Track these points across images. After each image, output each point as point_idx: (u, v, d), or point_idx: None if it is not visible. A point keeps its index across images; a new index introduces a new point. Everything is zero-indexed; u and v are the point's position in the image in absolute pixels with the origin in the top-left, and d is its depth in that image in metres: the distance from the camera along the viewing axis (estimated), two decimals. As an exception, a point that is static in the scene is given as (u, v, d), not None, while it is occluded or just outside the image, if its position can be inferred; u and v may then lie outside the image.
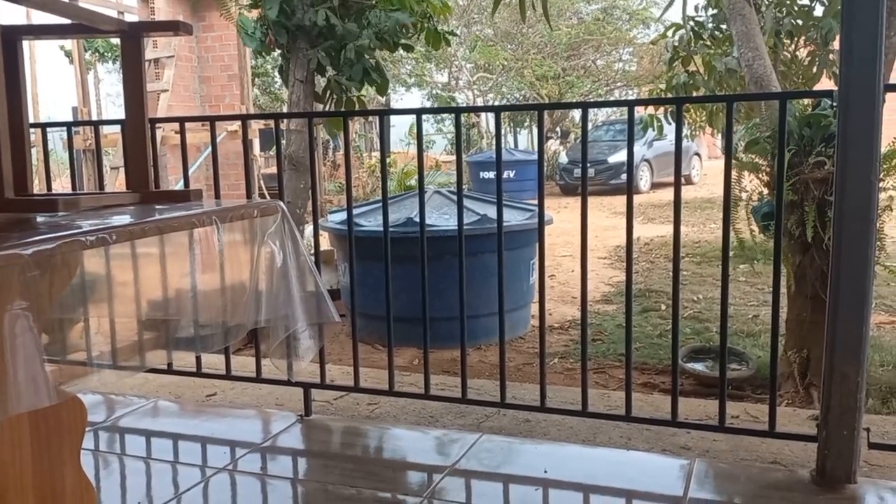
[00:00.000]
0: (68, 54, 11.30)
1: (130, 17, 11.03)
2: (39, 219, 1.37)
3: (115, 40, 1.90)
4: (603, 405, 2.82)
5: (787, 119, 3.34)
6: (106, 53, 11.15)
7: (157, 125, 3.18)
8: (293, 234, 1.74)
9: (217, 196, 2.79)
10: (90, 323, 1.64)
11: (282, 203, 1.74)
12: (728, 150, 2.26)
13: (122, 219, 1.36)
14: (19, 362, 1.00)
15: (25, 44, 1.79)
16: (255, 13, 4.97)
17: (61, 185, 9.44)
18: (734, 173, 3.36)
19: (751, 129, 3.39)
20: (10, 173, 1.46)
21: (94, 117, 11.01)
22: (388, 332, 2.71)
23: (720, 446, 2.45)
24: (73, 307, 1.47)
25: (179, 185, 7.98)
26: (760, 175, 3.53)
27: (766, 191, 3.61)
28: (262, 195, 10.20)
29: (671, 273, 2.33)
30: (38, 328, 1.04)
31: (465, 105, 19.54)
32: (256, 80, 13.11)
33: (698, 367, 3.93)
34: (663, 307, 5.53)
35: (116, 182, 8.46)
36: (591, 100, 20.51)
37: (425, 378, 2.62)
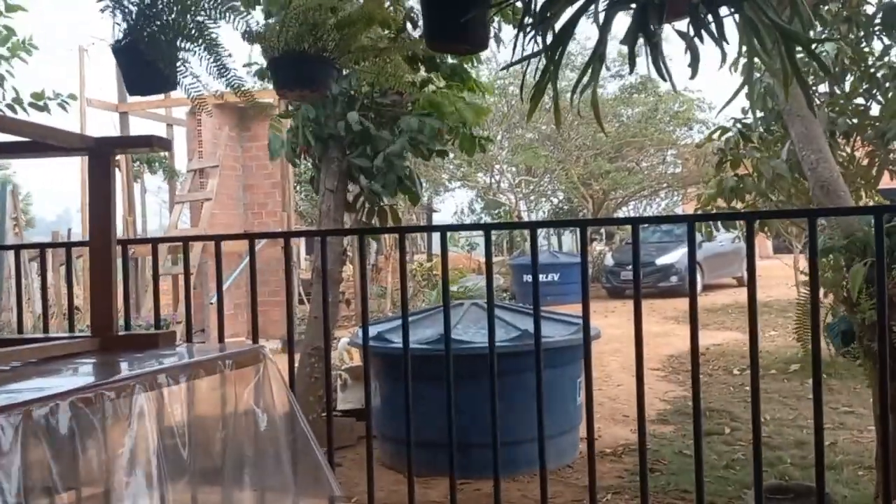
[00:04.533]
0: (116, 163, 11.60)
1: (180, 130, 11.37)
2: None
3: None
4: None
5: (864, 228, 2.97)
6: (154, 163, 11.42)
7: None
8: (280, 388, 1.43)
9: (220, 327, 2.52)
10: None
11: (266, 349, 1.44)
12: (813, 271, 1.91)
13: (41, 383, 1.07)
14: None
15: None
16: (287, 123, 4.90)
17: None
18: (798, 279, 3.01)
19: (825, 238, 3.05)
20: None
21: (140, 227, 11.18)
22: (408, 476, 2.35)
23: None
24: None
25: (214, 298, 7.86)
26: (837, 290, 3.14)
27: (842, 307, 3.21)
28: (300, 301, 10.08)
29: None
30: None
31: (507, 206, 19.52)
32: (298, 186, 13.29)
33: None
34: (727, 430, 4.99)
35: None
36: (639, 199, 20.26)
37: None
